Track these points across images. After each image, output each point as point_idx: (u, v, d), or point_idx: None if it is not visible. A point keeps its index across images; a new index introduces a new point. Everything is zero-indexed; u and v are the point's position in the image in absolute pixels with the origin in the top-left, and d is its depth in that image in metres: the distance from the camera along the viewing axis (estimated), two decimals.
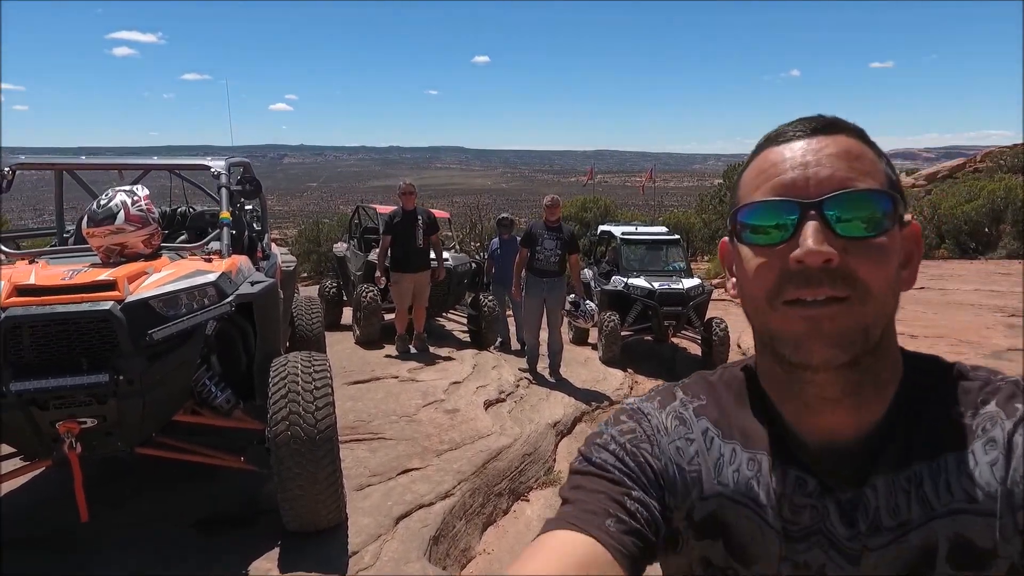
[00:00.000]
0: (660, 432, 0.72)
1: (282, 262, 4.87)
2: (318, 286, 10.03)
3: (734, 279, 0.70)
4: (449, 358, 6.58)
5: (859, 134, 0.65)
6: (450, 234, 9.38)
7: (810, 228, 0.59)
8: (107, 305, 2.55)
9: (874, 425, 0.64)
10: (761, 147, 0.68)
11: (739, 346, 8.46)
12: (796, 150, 0.63)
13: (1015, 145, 31.14)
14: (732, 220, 0.67)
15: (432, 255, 6.83)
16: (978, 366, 0.68)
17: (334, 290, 8.54)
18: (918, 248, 0.67)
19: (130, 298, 2.63)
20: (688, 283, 7.95)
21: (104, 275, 2.68)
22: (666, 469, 0.70)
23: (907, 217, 0.65)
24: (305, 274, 23.31)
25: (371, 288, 7.04)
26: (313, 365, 2.94)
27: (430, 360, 6.45)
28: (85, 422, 2.56)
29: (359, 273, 7.99)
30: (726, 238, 0.71)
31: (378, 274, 6.78)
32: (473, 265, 8.57)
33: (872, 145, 0.65)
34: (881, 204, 0.61)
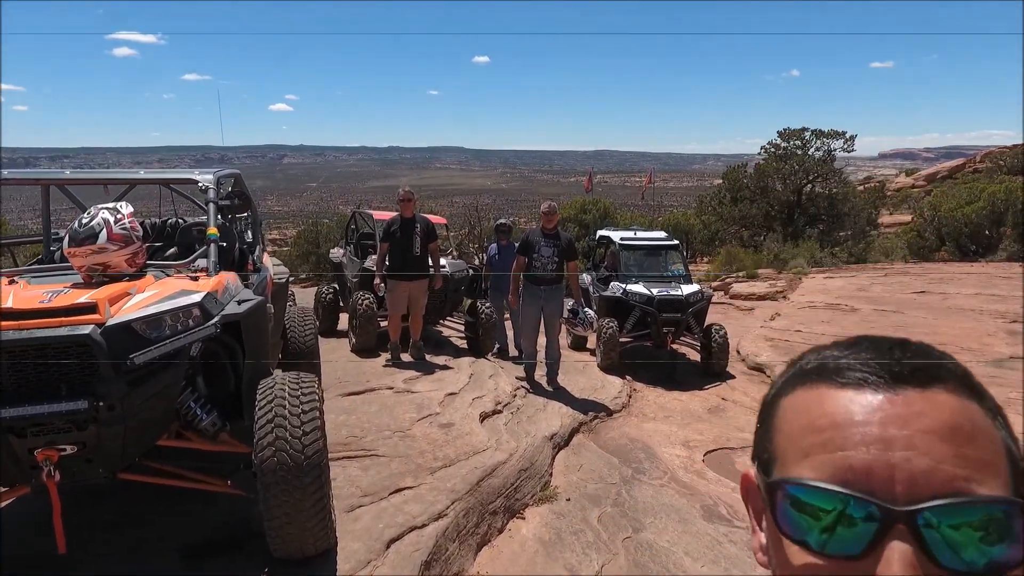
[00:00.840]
0: None
1: (274, 274, 4.79)
2: (316, 288, 9.97)
3: (762, 538, 0.49)
4: (446, 367, 6.50)
5: (966, 384, 0.44)
6: (445, 234, 9.29)
7: (898, 556, 0.39)
8: (87, 329, 2.47)
9: None
10: (809, 375, 0.46)
11: (738, 352, 8.39)
12: (871, 410, 0.42)
13: (1015, 146, 31.11)
14: (770, 488, 0.45)
15: (430, 262, 6.76)
16: None
17: (331, 295, 8.47)
18: None
19: (111, 321, 2.56)
20: (687, 289, 7.89)
21: (84, 297, 2.61)
22: None
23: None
24: (304, 275, 23.23)
25: (367, 295, 6.98)
26: (301, 388, 2.85)
27: (426, 369, 6.37)
28: (64, 449, 2.49)
29: (355, 280, 7.92)
30: (751, 472, 0.50)
31: (377, 280, 6.73)
32: (471, 271, 8.50)
33: (983, 400, 0.44)
34: (1008, 516, 0.40)
